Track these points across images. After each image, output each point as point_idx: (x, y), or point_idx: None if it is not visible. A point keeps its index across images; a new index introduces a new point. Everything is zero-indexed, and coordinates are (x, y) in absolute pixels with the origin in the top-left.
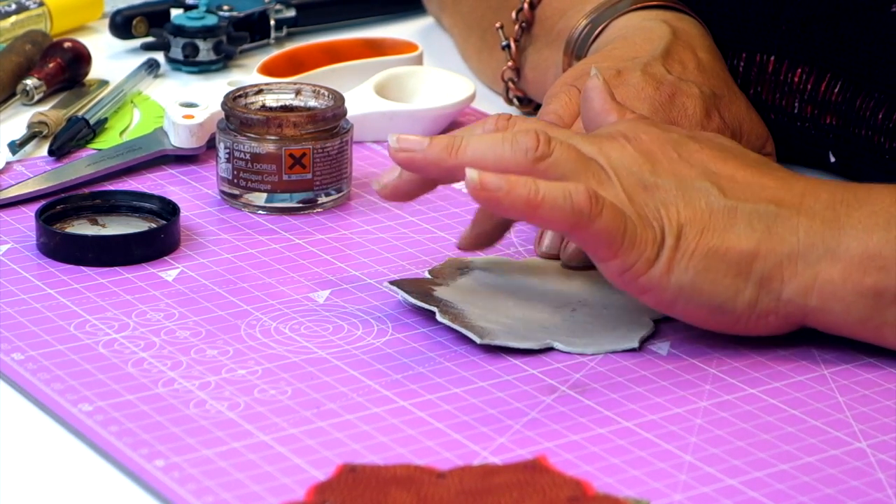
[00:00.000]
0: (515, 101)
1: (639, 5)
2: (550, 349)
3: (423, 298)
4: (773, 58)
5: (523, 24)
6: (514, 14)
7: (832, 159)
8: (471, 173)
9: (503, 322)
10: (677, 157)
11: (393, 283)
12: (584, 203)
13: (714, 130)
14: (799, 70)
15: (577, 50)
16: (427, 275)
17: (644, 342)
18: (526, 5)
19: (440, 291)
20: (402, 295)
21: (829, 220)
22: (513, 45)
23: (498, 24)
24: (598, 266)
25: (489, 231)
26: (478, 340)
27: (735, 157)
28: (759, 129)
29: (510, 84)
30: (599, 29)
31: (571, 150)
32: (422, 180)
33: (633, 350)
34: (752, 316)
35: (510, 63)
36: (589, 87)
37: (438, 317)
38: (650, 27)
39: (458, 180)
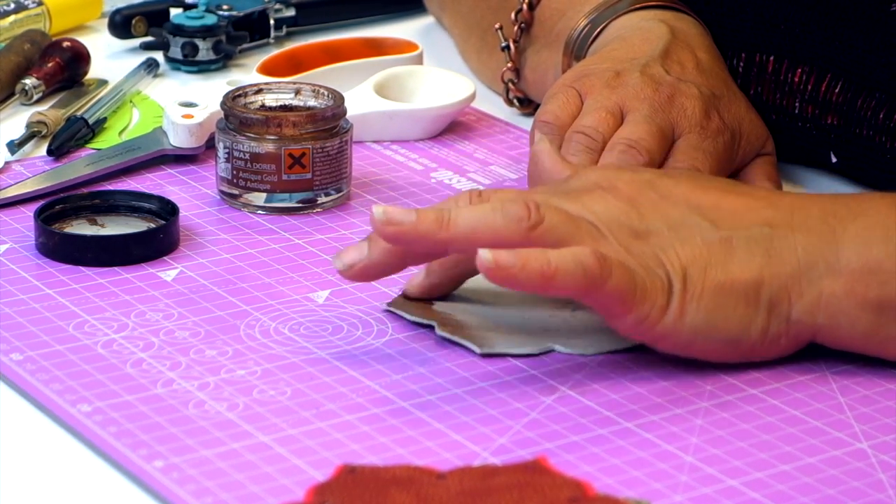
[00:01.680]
0: (515, 101)
1: (638, 5)
2: (551, 351)
3: (421, 314)
4: (772, 58)
5: (522, 26)
6: (513, 15)
7: (834, 160)
8: (484, 254)
9: (503, 327)
10: (658, 197)
11: (390, 304)
12: (594, 266)
13: (714, 131)
14: (799, 70)
15: (576, 50)
16: None
17: None
18: (525, 6)
19: (438, 304)
20: (400, 314)
21: (824, 235)
22: (512, 46)
23: (497, 26)
24: (611, 323)
25: (443, 283)
26: (478, 351)
27: (711, 185)
28: (759, 129)
29: (510, 85)
30: (598, 29)
31: (560, 212)
32: (394, 260)
33: (633, 349)
34: (765, 342)
35: (510, 64)
36: (536, 151)
37: (438, 330)
38: (649, 27)
39: (445, 254)
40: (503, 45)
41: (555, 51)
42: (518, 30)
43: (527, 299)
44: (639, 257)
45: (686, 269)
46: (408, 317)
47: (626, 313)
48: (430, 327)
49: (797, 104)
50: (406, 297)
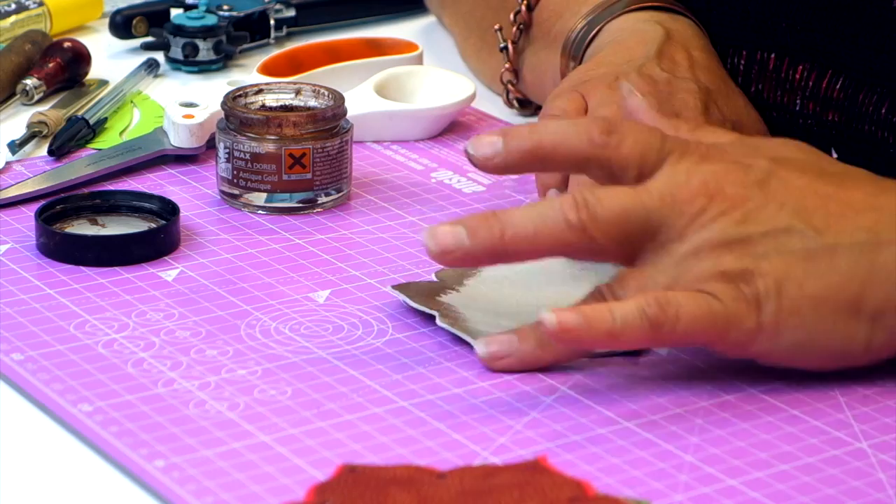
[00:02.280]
0: (515, 103)
1: (634, 6)
2: None
3: (424, 302)
4: (773, 55)
5: (521, 26)
6: (511, 16)
7: (835, 156)
8: (548, 318)
9: (505, 326)
10: (764, 201)
11: (396, 287)
12: (658, 315)
13: (715, 124)
14: (800, 67)
15: (573, 52)
16: (434, 278)
17: None
18: (523, 7)
19: (445, 296)
20: (403, 298)
21: None
22: (510, 47)
23: (496, 27)
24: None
25: None
26: (474, 345)
27: (820, 177)
28: (758, 124)
29: (509, 86)
30: (595, 31)
31: (609, 225)
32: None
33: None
34: (870, 353)
35: (508, 65)
36: (633, 108)
37: (438, 321)
38: (644, 29)
39: (509, 261)
40: (502, 46)
41: (553, 52)
42: (517, 31)
43: (534, 300)
44: (719, 283)
45: (782, 282)
46: (410, 303)
47: (712, 344)
48: (431, 317)
49: (798, 101)
50: (415, 282)
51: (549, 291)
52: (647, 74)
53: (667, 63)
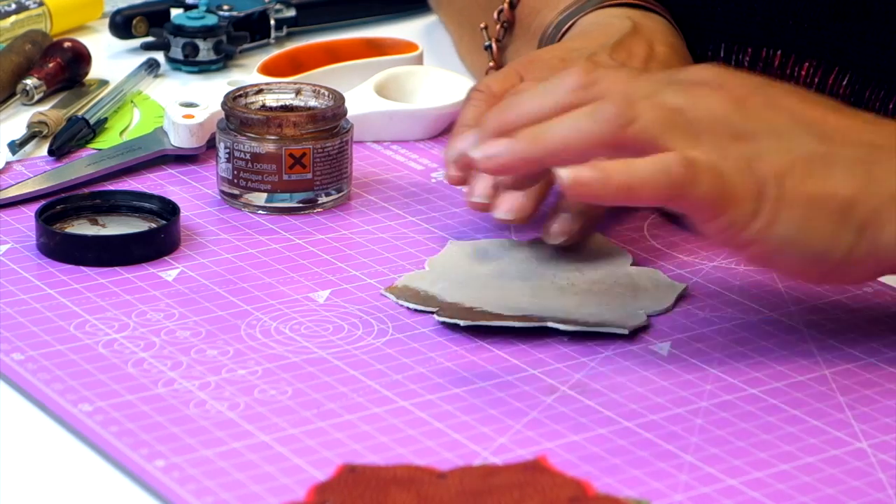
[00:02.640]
0: None
1: (609, 2)
2: (559, 337)
3: (422, 302)
4: (779, 52)
5: (505, 24)
6: (495, 14)
7: None
8: (562, 172)
9: (505, 308)
10: (766, 102)
11: (389, 289)
12: (680, 174)
13: None
14: (806, 64)
15: (547, 45)
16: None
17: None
18: (506, 5)
19: (439, 291)
20: (397, 300)
21: None
22: (494, 45)
23: (482, 25)
24: (699, 227)
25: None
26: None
27: (819, 102)
28: None
29: None
30: (568, 25)
31: (656, 108)
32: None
33: (632, 342)
34: (850, 263)
35: (492, 63)
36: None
37: (466, 323)
38: (612, 22)
39: (543, 173)
40: (486, 44)
41: (531, 47)
42: (500, 29)
43: (531, 285)
44: (733, 159)
45: (782, 177)
46: (410, 305)
47: (714, 218)
48: (432, 316)
49: None
50: (405, 286)
51: (533, 276)
52: (594, 62)
53: (621, 54)
